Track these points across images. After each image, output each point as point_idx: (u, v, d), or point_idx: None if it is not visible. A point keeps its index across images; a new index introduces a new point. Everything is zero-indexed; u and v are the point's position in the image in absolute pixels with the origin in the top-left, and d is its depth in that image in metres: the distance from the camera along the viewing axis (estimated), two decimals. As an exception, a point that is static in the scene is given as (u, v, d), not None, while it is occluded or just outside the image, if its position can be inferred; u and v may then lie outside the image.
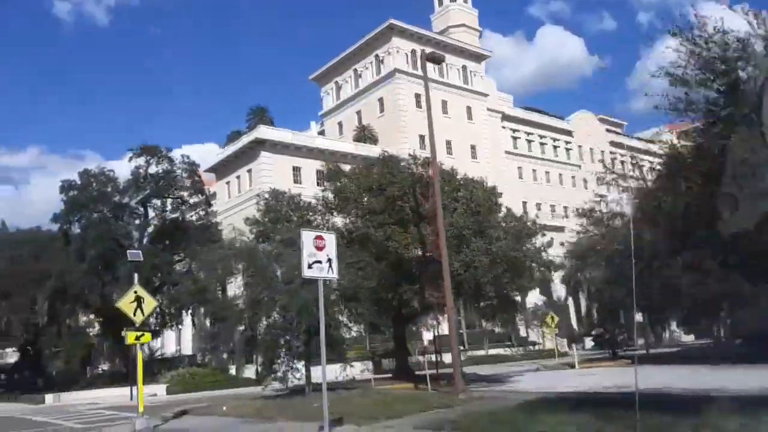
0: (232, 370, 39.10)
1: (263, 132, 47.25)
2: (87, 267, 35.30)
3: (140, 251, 15.05)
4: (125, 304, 14.41)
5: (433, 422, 11.17)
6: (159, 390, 32.09)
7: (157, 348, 46.89)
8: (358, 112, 58.78)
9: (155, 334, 45.52)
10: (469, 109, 59.92)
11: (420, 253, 18.34)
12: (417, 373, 24.62)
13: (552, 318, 34.65)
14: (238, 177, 49.72)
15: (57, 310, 39.05)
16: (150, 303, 14.79)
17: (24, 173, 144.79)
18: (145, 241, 39.95)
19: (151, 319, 41.56)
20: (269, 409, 15.61)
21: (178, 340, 59.31)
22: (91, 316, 50.32)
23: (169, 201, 40.16)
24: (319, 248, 9.78)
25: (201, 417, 16.41)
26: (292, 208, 23.50)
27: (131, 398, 29.64)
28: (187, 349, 57.16)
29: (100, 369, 60.30)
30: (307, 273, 9.56)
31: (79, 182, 39.23)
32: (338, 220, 23.09)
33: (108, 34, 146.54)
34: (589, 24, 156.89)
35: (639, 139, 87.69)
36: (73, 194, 38.19)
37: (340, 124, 60.91)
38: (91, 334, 56.29)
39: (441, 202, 17.57)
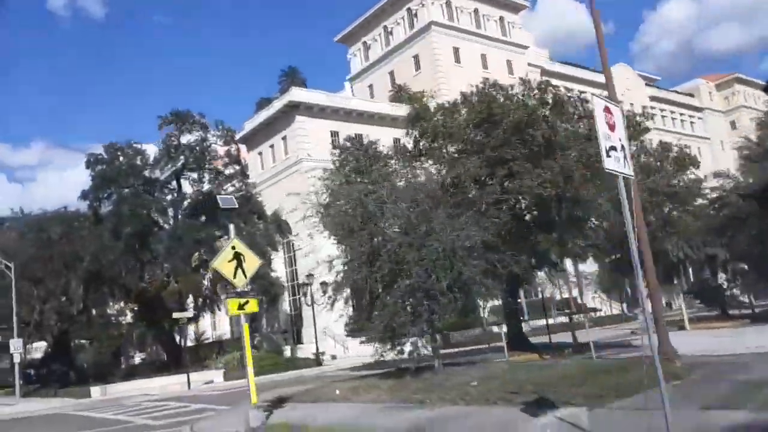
0: (286, 352, 36.03)
1: (297, 94, 43.56)
2: (123, 245, 32.05)
3: (233, 197, 11.81)
4: (222, 263, 11.05)
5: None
6: (215, 376, 29.06)
7: (203, 332, 43.98)
8: (391, 73, 54.86)
9: (196, 318, 42.69)
10: (509, 63, 55.84)
11: (553, 192, 14.75)
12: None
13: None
14: (271, 146, 46.16)
15: (91, 296, 36.06)
16: (252, 261, 11.42)
17: (31, 170, 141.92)
18: (180, 217, 36.69)
19: (190, 302, 38.74)
20: (403, 389, 12.26)
21: (214, 324, 56.41)
22: (121, 304, 47.40)
23: (204, 172, 36.72)
24: (611, 127, 6.32)
25: (315, 405, 13.12)
26: (369, 157, 19.96)
27: (189, 387, 26.61)
28: (225, 333, 54.34)
29: (135, 359, 57.76)
30: (607, 164, 6.09)
31: (105, 156, 35.95)
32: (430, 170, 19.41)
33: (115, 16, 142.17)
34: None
35: (677, 92, 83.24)
36: (100, 168, 34.89)
37: (370, 87, 57.04)
38: (123, 322, 53.72)
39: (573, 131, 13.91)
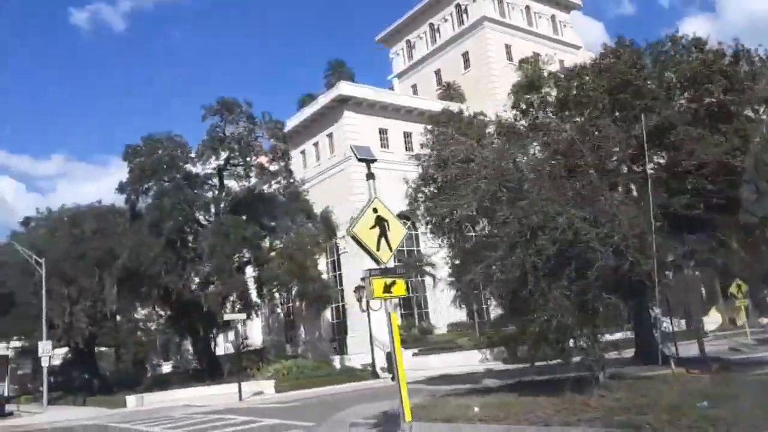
0: (335, 362, 32.94)
1: (345, 88, 40.95)
2: (164, 242, 29.37)
3: (370, 147, 9.15)
4: (363, 230, 8.22)
5: None
6: (265, 387, 26.11)
7: (244, 339, 41.11)
8: (437, 71, 52.21)
9: (244, 321, 39.81)
10: (561, 63, 52.81)
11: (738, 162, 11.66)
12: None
13: (739, 286, 27.72)
14: (315, 144, 43.51)
15: (125, 297, 33.41)
16: (397, 230, 8.58)
17: (50, 181, 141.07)
18: (221, 214, 34.00)
19: (229, 304, 35.98)
20: (581, 408, 9.17)
21: (244, 332, 53.49)
22: (149, 309, 44.78)
23: (250, 168, 34.04)
24: None
25: (454, 427, 10.05)
26: (465, 124, 17.15)
27: (240, 398, 23.65)
28: (257, 340, 51.44)
29: (162, 367, 55.00)
30: None
31: (143, 148, 33.48)
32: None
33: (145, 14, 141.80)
34: (608, 9, 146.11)
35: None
36: (139, 160, 32.37)
37: (414, 87, 54.38)
38: (151, 327, 51.14)
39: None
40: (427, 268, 38.78)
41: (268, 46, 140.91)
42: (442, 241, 17.45)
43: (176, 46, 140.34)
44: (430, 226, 18.05)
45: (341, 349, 39.15)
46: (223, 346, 49.67)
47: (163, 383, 35.61)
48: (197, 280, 33.27)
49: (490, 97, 46.92)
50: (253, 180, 34.66)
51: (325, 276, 40.00)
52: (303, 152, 44.63)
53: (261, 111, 34.73)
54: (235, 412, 19.99)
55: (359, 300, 30.77)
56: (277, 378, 27.14)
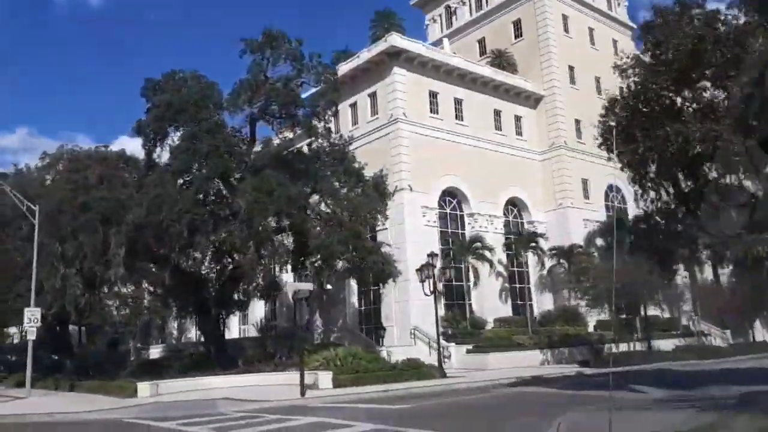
0: (383, 354, 27.49)
1: (397, 40, 35.60)
2: (195, 191, 23.62)
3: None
4: None
5: None
6: (319, 379, 20.65)
7: (268, 320, 35.41)
8: (481, 40, 47.23)
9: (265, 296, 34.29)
10: (614, 42, 48.53)
11: None
12: None
13: None
14: (353, 105, 38.05)
15: (137, 261, 27.54)
16: None
17: (12, 155, 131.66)
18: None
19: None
20: None
21: (243, 318, 47.70)
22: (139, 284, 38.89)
23: (294, 118, 28.48)
24: None
25: None
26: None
27: (302, 392, 18.22)
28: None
29: (150, 351, 48.70)
30: None
31: (165, 84, 27.67)
32: None
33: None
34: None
35: None
36: (164, 97, 26.55)
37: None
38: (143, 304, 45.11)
39: None
40: (486, 252, 33.82)
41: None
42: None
43: None
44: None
45: (375, 341, 33.90)
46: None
47: (155, 370, 29.75)
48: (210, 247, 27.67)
49: (546, 68, 42.31)
50: (291, 134, 29.22)
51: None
52: (335, 114, 39.13)
53: (310, 53, 29.07)
54: (311, 412, 14.67)
55: (423, 281, 25.58)
56: (326, 368, 21.74)
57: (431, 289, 24.91)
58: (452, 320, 32.49)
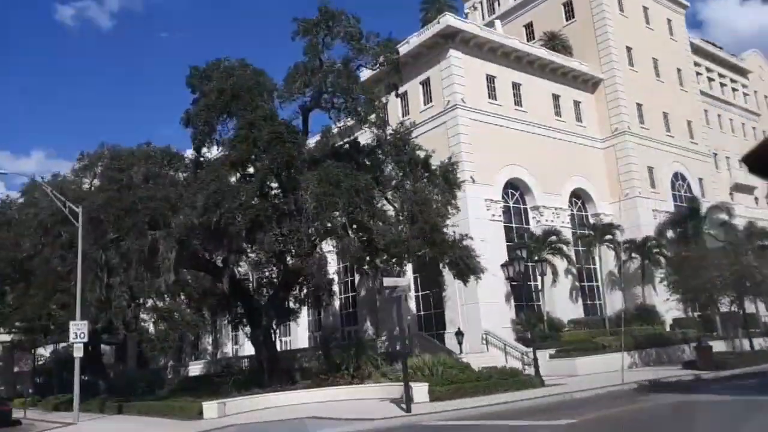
0: (465, 360, 24.55)
1: (452, 21, 32.89)
2: (259, 183, 20.97)
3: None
4: None
5: None
6: (416, 393, 17.78)
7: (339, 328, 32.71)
8: (528, 25, 44.49)
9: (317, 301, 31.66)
10: (669, 22, 45.65)
11: None
12: None
13: None
14: (402, 95, 35.26)
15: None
16: None
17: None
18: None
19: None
20: None
21: (284, 329, 44.91)
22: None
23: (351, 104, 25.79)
24: None
25: None
26: None
27: (407, 408, 15.39)
28: (302, 341, 43.10)
29: (189, 368, 46.08)
30: None
31: (213, 73, 25.19)
32: None
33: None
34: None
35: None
36: (213, 85, 24.07)
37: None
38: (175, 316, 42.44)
39: None
40: (563, 247, 30.86)
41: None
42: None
43: None
44: None
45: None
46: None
47: (202, 387, 27.11)
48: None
49: (604, 50, 39.49)
50: (349, 122, 26.57)
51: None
52: (385, 102, 36.49)
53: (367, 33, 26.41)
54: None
55: (511, 278, 22.67)
56: (414, 379, 18.89)
57: (511, 285, 22.00)
58: (526, 323, 29.51)
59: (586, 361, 25.90)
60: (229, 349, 51.03)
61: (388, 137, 26.45)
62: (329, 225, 21.68)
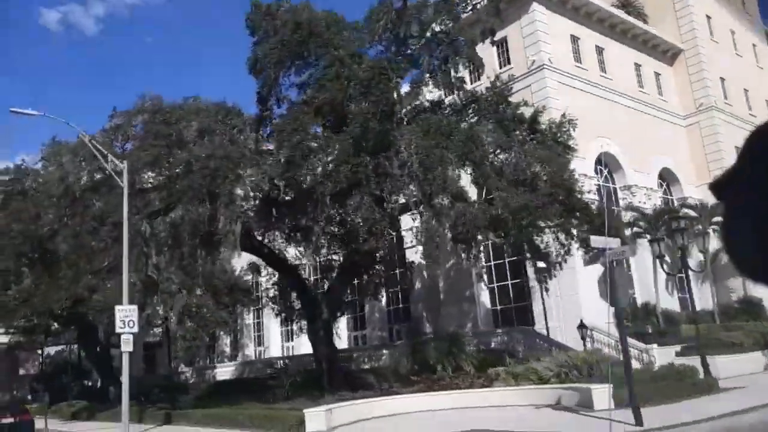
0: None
1: (536, -28, 28.78)
2: (360, 131, 16.48)
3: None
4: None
5: None
6: (595, 396, 13.37)
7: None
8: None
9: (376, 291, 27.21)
10: (742, -5, 41.97)
11: None
12: None
13: None
14: (499, 43, 30.98)
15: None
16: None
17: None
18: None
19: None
20: None
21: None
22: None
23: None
24: None
25: None
26: None
27: (637, 420, 10.93)
28: (342, 341, 38.36)
29: (216, 372, 41.13)
30: None
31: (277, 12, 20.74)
32: None
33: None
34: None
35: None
36: (287, 17, 19.63)
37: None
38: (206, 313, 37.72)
39: None
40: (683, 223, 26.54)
41: None
42: None
43: None
44: None
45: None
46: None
47: (242, 393, 22.85)
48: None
49: (685, 17, 35.60)
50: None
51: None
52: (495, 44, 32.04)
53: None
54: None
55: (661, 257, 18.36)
56: (559, 380, 14.55)
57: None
58: (639, 316, 25.25)
59: (724, 360, 21.64)
60: (251, 351, 46.14)
61: (484, 93, 22.29)
62: (442, 184, 17.20)
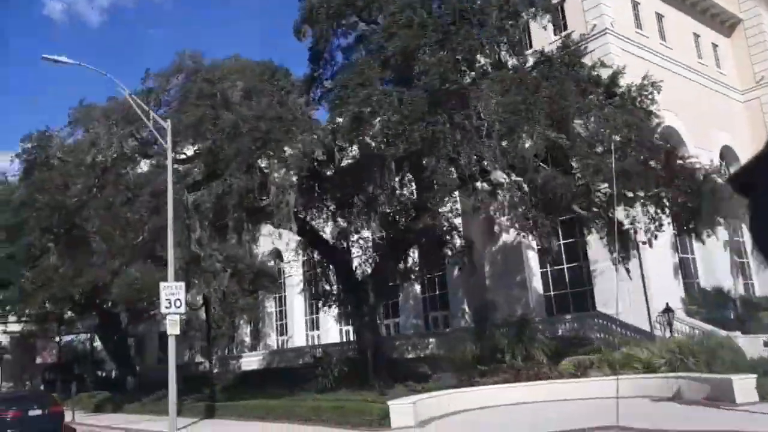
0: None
1: (596, -71, 26.52)
2: (440, 82, 14.34)
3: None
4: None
5: None
6: (738, 388, 11.32)
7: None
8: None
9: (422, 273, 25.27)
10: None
11: None
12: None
13: None
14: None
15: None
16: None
17: None
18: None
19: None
20: None
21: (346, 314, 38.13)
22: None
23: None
24: None
25: None
26: None
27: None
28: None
29: (242, 362, 39.10)
30: None
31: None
32: None
33: None
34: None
35: None
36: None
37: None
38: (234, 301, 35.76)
39: None
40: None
41: None
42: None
43: None
44: None
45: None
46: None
47: (276, 384, 21.11)
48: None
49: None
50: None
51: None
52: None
53: None
54: None
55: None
56: (666, 368, 12.46)
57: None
58: (713, 301, 23.19)
59: None
60: (272, 340, 44.13)
61: (554, 52, 20.20)
62: (525, 145, 15.06)
